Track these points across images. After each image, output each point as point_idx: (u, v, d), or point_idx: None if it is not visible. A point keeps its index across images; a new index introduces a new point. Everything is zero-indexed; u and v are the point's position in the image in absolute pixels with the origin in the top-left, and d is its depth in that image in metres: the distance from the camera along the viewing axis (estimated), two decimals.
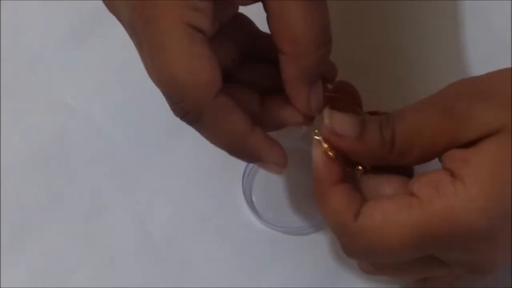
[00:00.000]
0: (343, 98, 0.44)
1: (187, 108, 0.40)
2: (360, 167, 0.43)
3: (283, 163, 0.44)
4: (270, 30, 0.40)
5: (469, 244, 0.39)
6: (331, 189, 0.42)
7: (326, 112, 0.42)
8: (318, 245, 0.54)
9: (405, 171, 0.44)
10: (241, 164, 0.54)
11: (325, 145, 0.43)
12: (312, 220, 0.53)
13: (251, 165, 0.55)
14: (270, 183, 0.55)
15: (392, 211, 0.40)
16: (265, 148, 0.43)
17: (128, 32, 0.41)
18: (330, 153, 0.43)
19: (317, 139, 0.43)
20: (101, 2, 0.59)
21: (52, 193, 0.55)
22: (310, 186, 0.54)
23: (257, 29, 0.46)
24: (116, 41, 0.59)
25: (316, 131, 0.43)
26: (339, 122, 0.42)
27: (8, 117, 0.57)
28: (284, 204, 0.54)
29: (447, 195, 0.39)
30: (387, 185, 0.42)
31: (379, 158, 0.42)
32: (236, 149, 0.42)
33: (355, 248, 0.41)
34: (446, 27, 0.57)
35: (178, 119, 0.42)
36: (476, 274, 0.42)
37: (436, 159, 0.42)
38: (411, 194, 0.40)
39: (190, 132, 0.56)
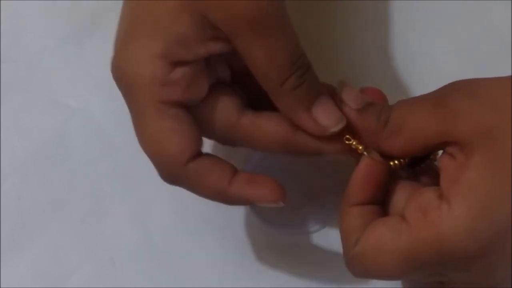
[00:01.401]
0: None
1: (163, 175, 0.43)
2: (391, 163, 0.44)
3: (276, 197, 0.44)
4: None
5: (461, 265, 0.40)
6: (349, 209, 0.43)
7: (339, 81, 0.44)
8: (318, 245, 0.54)
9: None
10: (241, 164, 0.54)
11: (354, 142, 0.44)
12: (312, 221, 0.53)
13: (251, 165, 0.55)
14: None
15: (385, 237, 0.41)
16: (250, 193, 0.44)
17: None
18: (360, 148, 0.44)
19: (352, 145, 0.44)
20: (101, 2, 0.59)
21: (52, 193, 0.55)
22: (310, 186, 0.55)
23: None
24: None
25: (348, 136, 0.44)
26: (346, 92, 0.43)
27: (8, 117, 0.57)
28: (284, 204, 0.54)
29: (433, 220, 0.39)
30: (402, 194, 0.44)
31: (372, 133, 0.43)
32: (222, 200, 0.44)
33: (355, 270, 0.43)
34: (445, 26, 0.57)
35: None
36: None
37: None
38: (403, 218, 0.41)
39: None
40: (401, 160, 0.44)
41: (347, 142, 0.44)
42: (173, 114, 0.41)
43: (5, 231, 0.55)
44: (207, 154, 0.43)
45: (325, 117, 0.43)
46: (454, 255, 0.39)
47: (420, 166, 0.45)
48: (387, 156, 0.44)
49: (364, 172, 0.43)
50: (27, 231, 0.55)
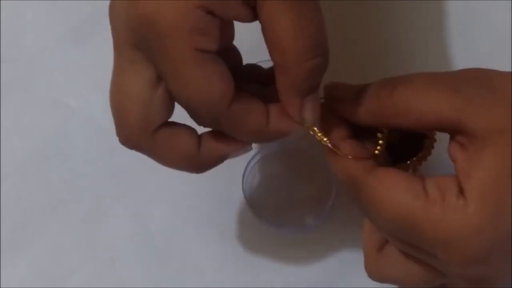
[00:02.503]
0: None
1: (206, 118, 0.42)
2: (376, 151, 0.43)
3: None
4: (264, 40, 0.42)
5: (460, 261, 0.40)
6: (341, 142, 0.43)
7: (328, 83, 0.43)
8: (318, 245, 0.54)
9: None
10: (241, 164, 0.55)
11: (319, 135, 0.43)
12: (312, 220, 0.53)
13: (251, 164, 0.55)
14: (270, 183, 0.55)
15: (401, 189, 0.41)
16: (286, 124, 0.43)
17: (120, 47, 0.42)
18: (325, 140, 0.43)
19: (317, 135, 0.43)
20: (101, 2, 0.59)
21: (52, 193, 0.55)
22: (310, 186, 0.55)
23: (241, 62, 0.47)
24: None
25: (315, 128, 0.43)
26: (335, 87, 0.44)
27: (8, 117, 0.57)
28: (284, 204, 0.54)
29: (449, 206, 0.39)
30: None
31: (375, 115, 0.43)
32: (261, 139, 0.43)
33: (356, 195, 0.42)
34: (446, 27, 0.57)
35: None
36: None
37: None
38: (424, 187, 0.41)
39: None
40: (379, 147, 0.43)
41: (311, 132, 0.43)
42: (210, 59, 0.41)
43: (5, 231, 0.55)
44: (243, 95, 0.42)
45: (310, 112, 0.43)
46: (456, 248, 0.39)
47: (409, 161, 0.45)
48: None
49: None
50: (27, 231, 0.55)
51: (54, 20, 0.59)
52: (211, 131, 0.44)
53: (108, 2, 0.58)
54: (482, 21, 0.57)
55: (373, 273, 0.45)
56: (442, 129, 0.42)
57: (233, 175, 0.55)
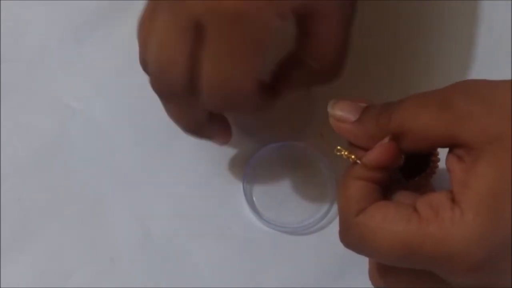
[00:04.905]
0: None
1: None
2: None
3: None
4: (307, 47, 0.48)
5: (466, 271, 0.40)
6: (355, 181, 0.44)
7: (330, 101, 0.45)
8: (318, 245, 0.54)
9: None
10: (241, 164, 0.55)
11: (345, 153, 0.44)
12: (312, 220, 0.53)
13: (251, 164, 0.55)
14: (271, 183, 0.55)
15: (392, 218, 0.41)
16: None
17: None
18: (353, 157, 0.44)
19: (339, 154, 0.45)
20: (100, 2, 0.59)
21: (52, 193, 0.55)
22: (310, 186, 0.55)
23: None
24: (117, 41, 0.59)
25: (339, 147, 0.45)
26: (339, 108, 0.45)
27: (8, 117, 0.57)
28: (284, 204, 0.54)
29: (444, 220, 0.39)
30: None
31: (375, 140, 0.43)
32: None
33: (349, 239, 0.43)
34: (446, 27, 0.57)
35: None
36: None
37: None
38: (414, 209, 0.41)
39: None
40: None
41: (337, 153, 0.44)
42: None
43: (5, 231, 0.55)
44: None
45: None
46: (461, 258, 0.39)
47: (418, 177, 0.45)
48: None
49: (377, 152, 0.43)
50: (27, 231, 0.55)
51: (54, 20, 0.59)
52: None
53: (108, 2, 0.59)
54: (482, 21, 0.57)
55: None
56: (440, 146, 0.42)
57: (234, 174, 0.55)
